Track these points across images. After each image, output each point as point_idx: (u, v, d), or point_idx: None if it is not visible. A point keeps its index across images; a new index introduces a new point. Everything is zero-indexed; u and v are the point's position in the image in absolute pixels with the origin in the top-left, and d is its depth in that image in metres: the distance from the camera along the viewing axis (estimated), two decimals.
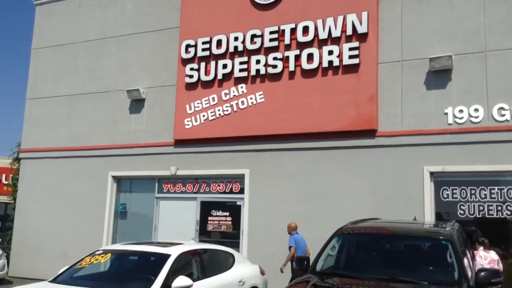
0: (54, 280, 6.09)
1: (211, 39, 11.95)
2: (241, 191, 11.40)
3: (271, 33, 11.29)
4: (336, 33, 10.64)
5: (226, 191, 11.68)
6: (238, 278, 7.11)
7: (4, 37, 53.27)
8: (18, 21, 54.47)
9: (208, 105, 11.80)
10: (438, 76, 9.86)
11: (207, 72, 11.90)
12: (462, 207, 9.43)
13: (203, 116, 11.80)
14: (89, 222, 12.65)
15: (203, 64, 11.97)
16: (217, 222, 11.52)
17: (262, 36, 11.38)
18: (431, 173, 9.63)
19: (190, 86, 12.09)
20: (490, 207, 9.23)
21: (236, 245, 10.54)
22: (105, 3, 13.84)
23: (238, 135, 11.36)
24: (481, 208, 9.30)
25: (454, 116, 9.59)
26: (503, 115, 9.25)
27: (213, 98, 11.75)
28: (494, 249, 8.18)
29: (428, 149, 9.70)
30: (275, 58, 11.16)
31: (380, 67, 10.31)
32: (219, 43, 11.85)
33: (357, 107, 10.25)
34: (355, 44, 10.43)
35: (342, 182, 10.28)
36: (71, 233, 12.79)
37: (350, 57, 10.42)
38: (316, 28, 10.84)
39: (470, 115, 9.49)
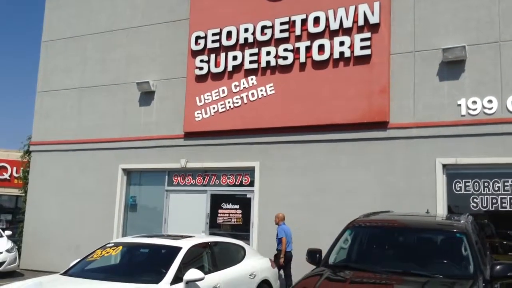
0: (65, 273, 6.10)
1: (221, 30, 11.87)
2: (251, 183, 11.36)
3: (281, 24, 11.18)
4: (347, 23, 10.51)
5: (236, 183, 11.64)
6: (249, 271, 7.08)
7: (14, 30, 53.55)
8: (28, 14, 54.71)
9: (218, 97, 11.74)
10: (451, 67, 9.70)
11: (217, 64, 11.83)
12: (475, 200, 9.31)
13: (213, 108, 11.75)
14: (99, 215, 12.70)
15: (213, 56, 11.90)
16: (227, 215, 11.50)
17: (272, 27, 11.27)
18: (444, 166, 9.51)
19: (200, 78, 12.03)
20: (504, 200, 9.10)
21: (246, 238, 10.52)
22: None
23: (248, 128, 11.30)
24: (494, 200, 9.18)
25: (468, 108, 9.45)
26: None
27: (223, 90, 11.69)
28: None
29: (440, 141, 9.57)
30: (285, 50, 11.05)
31: (392, 58, 10.18)
32: (229, 34, 11.77)
33: (368, 98, 10.14)
34: (367, 35, 10.30)
35: (353, 175, 10.20)
36: (82, 225, 12.86)
37: (362, 48, 10.28)
38: (327, 19, 10.71)
39: (483, 107, 9.34)
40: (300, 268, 8.43)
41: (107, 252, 6.49)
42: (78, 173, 13.27)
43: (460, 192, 9.43)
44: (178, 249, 6.15)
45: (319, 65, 10.74)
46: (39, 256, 13.19)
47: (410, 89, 9.97)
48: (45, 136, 13.99)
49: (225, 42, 11.78)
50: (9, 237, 13.12)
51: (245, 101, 11.41)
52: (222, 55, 11.80)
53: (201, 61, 12.01)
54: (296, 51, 10.96)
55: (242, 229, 11.14)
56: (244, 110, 11.39)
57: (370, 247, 5.73)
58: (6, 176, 25.38)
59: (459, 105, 9.52)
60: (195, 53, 12.14)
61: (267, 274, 7.49)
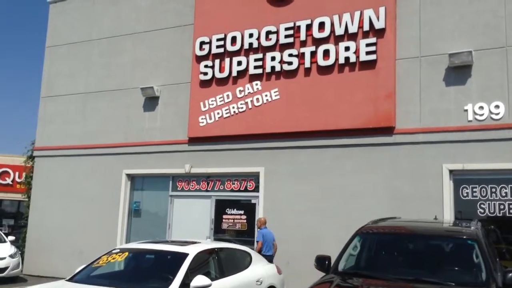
0: (71, 279, 6.04)
1: (225, 36, 11.85)
2: (256, 189, 11.31)
3: (286, 29, 11.16)
4: (353, 29, 10.48)
5: (240, 189, 11.58)
6: (255, 277, 7.01)
7: (18, 35, 53.71)
8: (32, 19, 54.89)
9: (222, 102, 11.71)
10: (458, 72, 9.66)
11: (221, 69, 11.81)
12: (482, 205, 9.24)
13: (218, 113, 11.71)
14: (103, 220, 12.64)
15: (217, 61, 11.88)
16: (232, 220, 11.44)
17: (277, 32, 11.25)
18: (451, 171, 9.44)
19: (205, 84, 12.00)
20: (511, 206, 9.03)
21: (251, 244, 10.42)
22: (119, 0, 13.80)
23: (253, 133, 11.26)
24: (501, 206, 9.11)
25: (474, 113, 9.40)
26: None
27: (228, 96, 11.66)
28: None
29: (447, 147, 9.51)
30: (290, 55, 11.03)
31: (398, 63, 10.14)
32: (233, 40, 11.75)
33: (374, 104, 10.09)
34: (372, 40, 10.27)
35: (359, 180, 10.14)
36: (85, 231, 12.79)
37: (367, 53, 10.25)
38: (332, 24, 10.68)
39: (490, 112, 9.29)
40: (307, 275, 8.35)
41: (113, 258, 6.43)
42: (82, 178, 13.22)
43: (467, 197, 9.36)
44: (184, 255, 6.09)
45: (324, 70, 10.71)
46: (42, 262, 13.11)
47: (416, 94, 9.92)
48: (49, 141, 13.96)
49: (229, 47, 11.76)
50: (12, 242, 13.06)
51: (250, 106, 11.38)
52: (227, 60, 11.78)
53: (206, 66, 11.99)
54: (301, 56, 10.94)
55: (247, 235, 11.06)
56: (249, 115, 11.35)
57: (379, 254, 5.66)
58: (8, 181, 25.33)
59: (466, 110, 9.48)
60: (199, 59, 12.12)
61: (273, 281, 7.42)
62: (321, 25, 10.80)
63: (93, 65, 13.80)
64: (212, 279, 5.89)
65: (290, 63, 11.01)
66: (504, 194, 9.12)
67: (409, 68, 10.07)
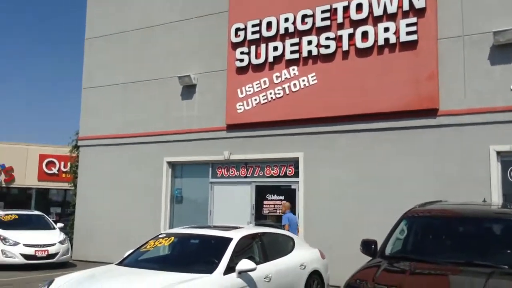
0: (120, 263, 6.23)
1: (260, 21, 11.79)
2: (296, 174, 11.29)
3: (322, 12, 11.00)
4: (392, 9, 10.22)
5: (280, 174, 11.60)
6: (299, 262, 7.03)
7: (57, 28, 55.16)
8: (71, 12, 56.23)
9: (259, 88, 11.70)
10: (503, 51, 9.30)
11: (257, 55, 11.78)
12: None
13: (255, 100, 11.72)
14: (146, 207, 12.95)
15: (253, 48, 11.85)
16: (272, 206, 11.49)
17: (313, 15, 11.10)
18: (498, 153, 9.15)
19: (241, 70, 12.02)
20: None
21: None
22: None
23: (291, 118, 11.22)
24: None
25: None
26: None
27: (265, 82, 11.63)
28: None
29: (494, 128, 9.20)
30: (327, 38, 10.88)
31: (440, 43, 9.84)
32: (269, 25, 11.68)
33: (416, 85, 9.85)
34: (413, 19, 9.99)
35: (401, 164, 9.96)
36: (130, 218, 13.15)
37: (408, 33, 9.99)
38: (370, 5, 10.45)
39: None
40: (350, 259, 8.31)
41: (160, 243, 6.58)
42: (125, 167, 13.56)
43: None
44: (229, 239, 6.17)
45: (363, 52, 10.52)
46: (89, 248, 13.60)
47: (460, 75, 9.61)
48: (92, 131, 14.35)
49: (265, 33, 11.70)
50: (61, 229, 13.58)
51: (287, 91, 11.33)
52: (263, 46, 11.73)
53: (242, 53, 11.98)
54: (338, 39, 10.77)
55: None
56: (286, 101, 11.30)
57: (428, 238, 5.56)
58: (54, 170, 26.28)
59: None
60: (235, 45, 12.12)
61: (317, 265, 7.42)
62: (359, 7, 10.59)
63: (130, 56, 14.02)
64: (256, 263, 5.95)
65: (327, 47, 10.87)
66: None
67: (451, 47, 9.75)
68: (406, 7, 10.07)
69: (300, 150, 11.17)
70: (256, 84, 11.74)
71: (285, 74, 11.41)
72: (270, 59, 11.60)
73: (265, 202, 11.61)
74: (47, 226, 13.53)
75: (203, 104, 12.66)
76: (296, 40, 11.31)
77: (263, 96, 11.62)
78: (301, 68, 11.21)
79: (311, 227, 10.67)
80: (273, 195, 11.52)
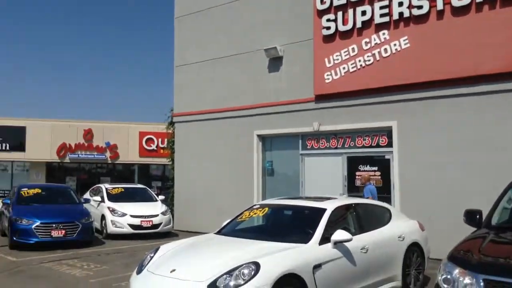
0: (219, 232, 6.51)
1: None
2: (389, 144, 10.93)
3: None
4: None
5: (372, 145, 11.30)
6: (397, 233, 6.84)
7: (147, 9, 57.69)
8: None
9: (348, 56, 11.37)
10: None
11: (344, 22, 11.42)
12: None
13: (343, 68, 11.42)
14: (239, 180, 13.34)
15: (340, 14, 11.49)
16: None
17: None
18: None
19: (328, 39, 11.74)
20: None
21: (387, 200, 10.18)
22: None
23: (382, 86, 10.81)
24: None
25: None
26: None
27: (353, 49, 11.28)
28: None
29: None
30: None
31: None
32: None
33: None
34: None
35: (505, 130, 9.23)
36: (224, 190, 13.64)
37: None
38: None
39: None
40: (450, 230, 7.94)
41: (254, 213, 6.76)
42: (217, 141, 14.01)
43: None
44: (323, 210, 6.16)
45: (460, 11, 9.78)
46: (189, 218, 14.37)
47: None
48: (185, 107, 14.95)
49: None
50: (162, 201, 14.47)
51: (378, 58, 10.89)
52: (350, 11, 11.33)
53: (328, 20, 11.68)
54: None
55: (382, 191, 10.79)
56: (377, 68, 10.88)
57: None
58: (153, 147, 27.94)
59: None
60: (321, 13, 11.83)
61: (416, 237, 7.16)
62: None
63: (217, 31, 14.27)
64: (352, 234, 5.89)
65: (420, 7, 10.23)
66: None
67: None
68: None
69: (393, 118, 10.75)
70: (344, 52, 11.42)
71: (374, 40, 10.96)
72: (358, 25, 11.19)
73: (357, 173, 11.40)
74: (150, 199, 14.49)
75: (290, 76, 12.61)
76: (385, 2, 10.77)
77: (352, 64, 11.28)
78: (392, 32, 10.69)
79: (408, 198, 10.33)
80: (366, 166, 11.28)
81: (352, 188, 11.41)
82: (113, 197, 13.94)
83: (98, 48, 56.90)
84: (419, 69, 10.22)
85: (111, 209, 13.22)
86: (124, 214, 13.01)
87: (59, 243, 10.92)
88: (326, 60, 11.73)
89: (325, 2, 11.75)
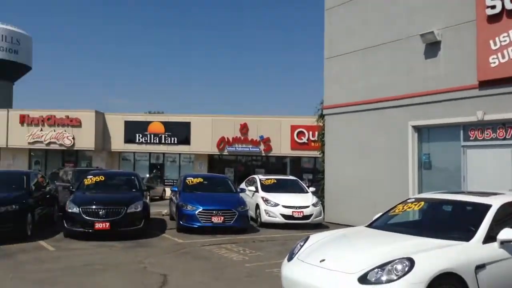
0: (370, 225, 6.32)
1: None
2: None
3: None
4: None
5: None
6: None
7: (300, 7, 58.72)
8: None
9: None
10: None
11: None
12: None
13: None
14: (393, 173, 12.82)
15: None
16: None
17: None
18: None
19: (493, 19, 10.59)
20: None
21: None
22: None
23: None
24: None
25: None
26: None
27: None
28: None
29: None
30: None
31: None
32: None
33: None
34: None
35: None
36: (376, 183, 13.24)
37: None
38: None
39: None
40: None
41: (409, 207, 6.41)
42: (368, 133, 13.65)
43: None
44: (487, 206, 5.58)
45: None
46: (339, 211, 14.30)
47: None
48: (335, 99, 14.87)
49: None
50: (313, 193, 14.64)
51: None
52: None
53: None
54: None
55: None
56: None
57: None
58: (304, 140, 28.41)
59: None
60: None
61: None
62: None
63: (369, 20, 13.86)
64: None
65: None
66: None
67: None
68: None
69: None
70: None
71: None
72: None
73: None
74: (301, 190, 14.77)
75: (449, 62, 11.66)
76: None
77: None
78: None
79: None
80: None
81: None
82: (266, 188, 14.53)
83: (254, 49, 59.84)
84: None
85: (264, 199, 13.80)
86: (276, 204, 13.47)
87: (218, 229, 11.76)
88: (491, 42, 10.59)
89: None
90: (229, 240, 10.90)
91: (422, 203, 6.44)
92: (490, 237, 5.18)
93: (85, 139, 29.42)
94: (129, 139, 30.36)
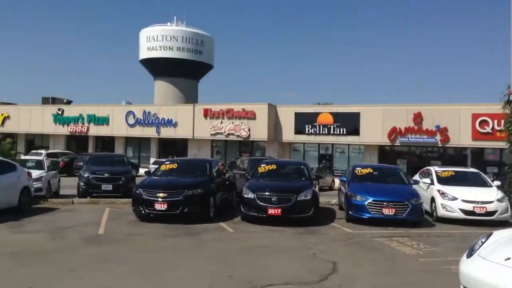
0: None
1: None
2: None
3: None
4: None
5: None
6: None
7: None
8: None
9: None
10: None
11: None
12: None
13: None
14: None
15: None
16: None
17: None
18: None
19: None
20: None
21: None
22: None
23: None
24: None
25: None
26: None
27: None
28: None
29: None
30: None
31: None
32: None
33: None
34: None
35: None
36: None
37: None
38: None
39: None
40: None
41: None
42: None
43: None
44: None
45: None
46: None
47: None
48: None
49: None
50: (498, 187, 13.13)
51: None
52: None
53: None
54: None
55: None
56: None
57: None
58: (488, 129, 25.67)
59: None
60: None
61: None
62: None
63: None
64: None
65: None
66: None
67: None
68: None
69: None
70: None
71: None
72: None
73: None
74: (484, 184, 13.36)
75: None
76: None
77: None
78: None
79: None
80: None
81: None
82: (443, 180, 13.51)
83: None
84: None
85: (441, 192, 12.85)
86: (454, 198, 12.42)
87: (389, 221, 11.34)
88: None
89: None
90: (401, 233, 10.44)
91: None
92: None
93: (259, 131, 31.19)
94: (299, 130, 31.24)
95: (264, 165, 13.43)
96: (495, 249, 4.84)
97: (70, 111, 37.52)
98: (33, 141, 39.93)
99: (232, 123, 32.12)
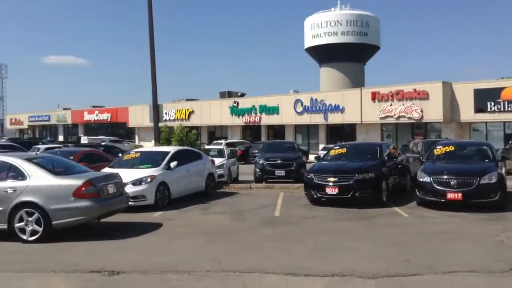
0: None
1: None
2: None
3: None
4: None
5: None
6: None
7: None
8: None
9: None
10: None
11: None
12: None
13: None
14: None
15: None
16: None
17: None
18: None
19: None
20: None
21: None
22: None
23: None
24: None
25: None
26: None
27: None
28: None
29: None
30: None
31: None
32: None
33: None
34: None
35: None
36: None
37: None
38: None
39: None
40: None
41: None
42: None
43: None
44: None
45: None
46: None
47: None
48: None
49: None
50: None
51: None
52: None
53: None
54: None
55: None
56: None
57: None
58: None
59: None
60: None
61: None
62: None
63: None
64: None
65: None
66: None
67: None
68: None
69: None
70: None
71: None
72: None
73: None
74: None
75: None
76: None
77: None
78: None
79: None
80: None
81: None
82: None
83: None
84: None
85: None
86: None
87: None
88: None
89: None
90: None
91: None
92: None
93: (433, 111, 29.16)
94: (479, 108, 28.32)
95: (441, 146, 12.56)
96: None
97: (244, 103, 40.18)
98: (214, 132, 43.87)
99: (403, 104, 30.66)
